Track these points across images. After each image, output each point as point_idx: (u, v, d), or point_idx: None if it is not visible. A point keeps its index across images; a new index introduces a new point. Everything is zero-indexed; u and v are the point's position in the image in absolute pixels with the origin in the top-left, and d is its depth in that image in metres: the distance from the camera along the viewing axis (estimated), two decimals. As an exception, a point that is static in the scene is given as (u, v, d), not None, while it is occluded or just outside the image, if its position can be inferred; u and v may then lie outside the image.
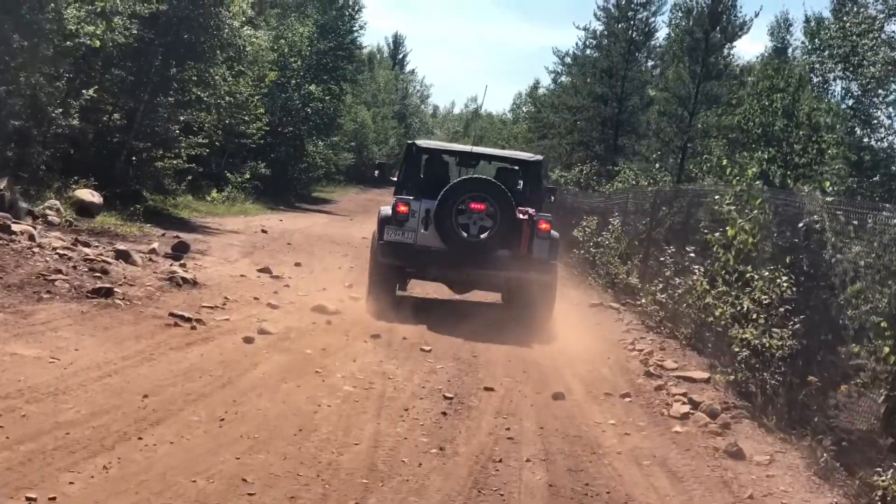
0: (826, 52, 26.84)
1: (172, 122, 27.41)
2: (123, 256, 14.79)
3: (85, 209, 20.49)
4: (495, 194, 12.36)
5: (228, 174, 40.63)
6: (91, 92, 22.90)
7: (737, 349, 10.47)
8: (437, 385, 9.85)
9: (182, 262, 16.03)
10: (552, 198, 15.41)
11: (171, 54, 25.95)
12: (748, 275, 10.65)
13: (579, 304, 17.69)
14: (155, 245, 17.08)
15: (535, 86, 61.52)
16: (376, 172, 18.72)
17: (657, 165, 24.03)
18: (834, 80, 27.73)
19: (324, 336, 11.52)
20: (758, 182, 11.68)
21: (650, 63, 35.98)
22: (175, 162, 30.23)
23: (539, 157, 14.49)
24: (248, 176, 41.19)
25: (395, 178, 14.80)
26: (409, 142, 14.75)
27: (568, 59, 40.05)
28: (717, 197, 12.01)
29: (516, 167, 14.82)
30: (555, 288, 13.14)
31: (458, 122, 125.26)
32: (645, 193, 19.79)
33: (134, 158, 26.51)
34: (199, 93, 26.98)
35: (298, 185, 51.91)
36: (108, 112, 25.93)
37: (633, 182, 24.79)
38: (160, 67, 26.09)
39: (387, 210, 12.96)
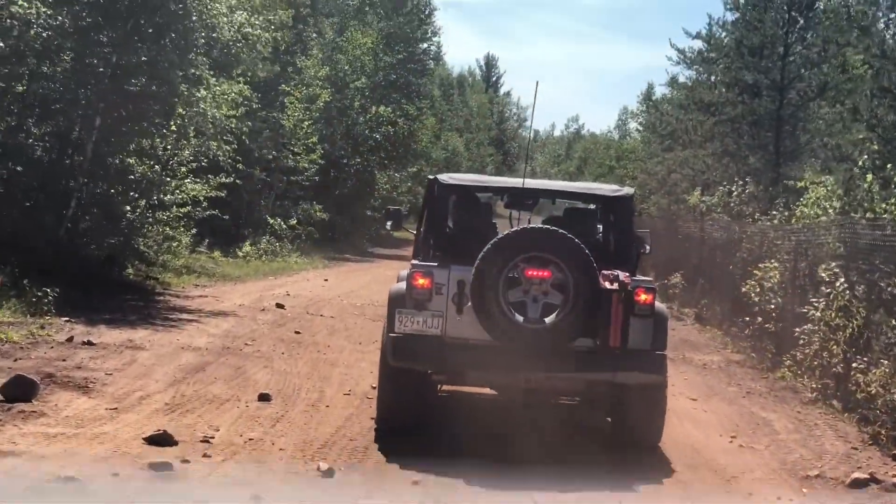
0: None
1: (138, 151, 19.00)
2: None
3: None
4: (564, 252, 8.29)
5: (270, 220, 32.20)
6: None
7: None
8: None
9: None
10: (646, 249, 9.96)
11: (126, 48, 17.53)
12: None
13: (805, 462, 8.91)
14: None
15: (649, 91, 51.91)
16: (388, 224, 11.48)
17: (868, 177, 14.64)
18: None
19: None
20: None
21: (810, 34, 26.39)
22: (160, 214, 21.88)
23: (629, 191, 9.86)
24: (293, 222, 32.74)
25: (415, 233, 10.27)
26: (431, 177, 10.11)
27: (697, 44, 30.84)
28: None
29: (593, 206, 10.54)
30: (664, 394, 8.86)
31: (560, 145, 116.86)
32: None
33: (77, 214, 18.04)
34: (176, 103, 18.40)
35: (367, 227, 43.55)
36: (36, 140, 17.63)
37: (833, 204, 15.46)
38: (112, 70, 17.64)
39: (400, 286, 8.76)
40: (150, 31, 17.69)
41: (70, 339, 12.45)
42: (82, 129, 17.98)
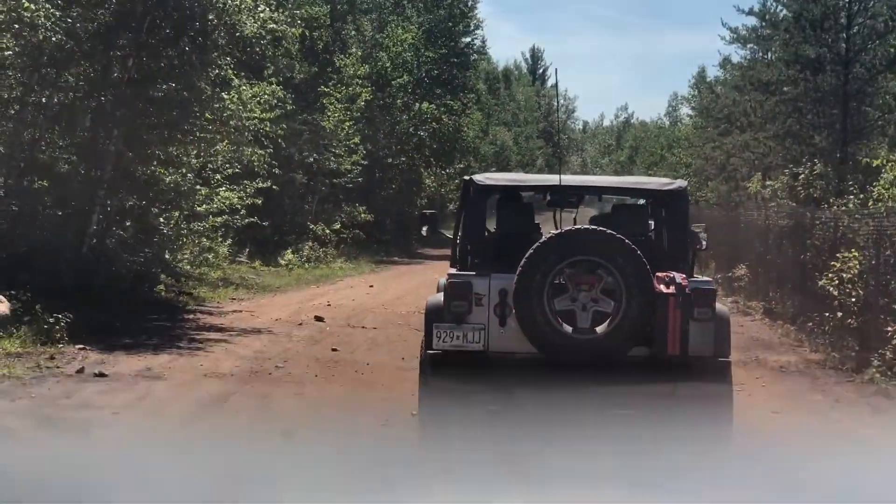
0: None
1: (166, 160, 17.92)
2: None
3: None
4: (614, 254, 7.65)
5: (312, 226, 31.10)
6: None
7: None
8: None
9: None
10: (703, 244, 9.21)
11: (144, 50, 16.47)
12: None
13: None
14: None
15: (701, 74, 50.04)
16: (424, 230, 10.56)
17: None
18: None
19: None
20: None
21: (874, 3, 24.63)
22: (195, 225, 20.85)
23: (682, 184, 8.98)
24: (337, 226, 31.61)
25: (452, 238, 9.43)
26: (466, 178, 9.31)
27: (750, 22, 29.10)
28: None
29: (644, 202, 9.64)
30: (730, 404, 7.96)
31: (610, 135, 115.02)
32: None
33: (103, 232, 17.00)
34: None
35: (415, 228, 42.30)
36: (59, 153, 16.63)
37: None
38: (130, 74, 16.59)
39: (437, 297, 8.09)
40: (168, 31, 16.59)
41: (80, 371, 11.37)
42: (102, 139, 16.92)
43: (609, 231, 7.87)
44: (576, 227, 8.35)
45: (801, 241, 18.36)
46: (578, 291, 7.86)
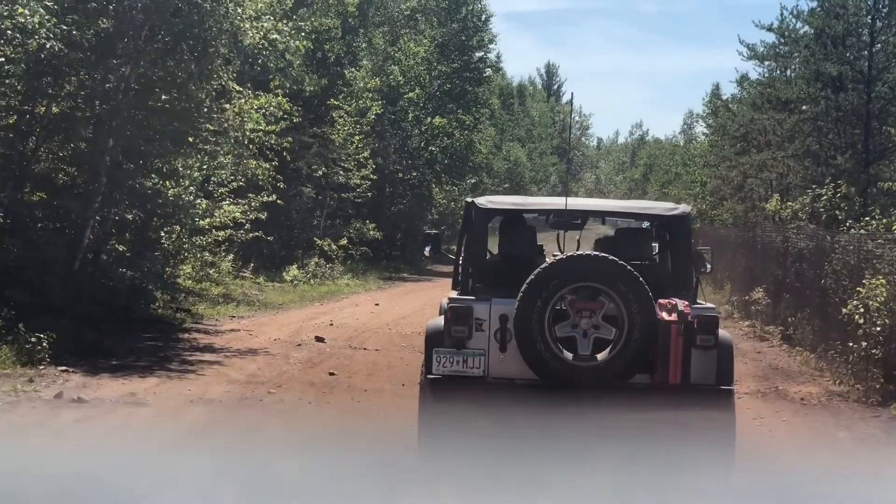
0: None
1: (168, 173, 17.34)
2: None
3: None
4: (616, 281, 7.59)
5: (318, 241, 30.47)
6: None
7: None
8: None
9: None
10: (707, 268, 9.34)
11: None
12: None
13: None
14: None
15: (715, 91, 49.33)
16: (427, 250, 9.81)
17: None
18: None
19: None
20: None
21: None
22: (197, 239, 20.29)
23: (685, 209, 8.86)
24: (343, 242, 30.98)
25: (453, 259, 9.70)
26: (468, 200, 9.24)
27: (768, 38, 28.32)
28: None
29: (647, 227, 9.60)
30: (732, 434, 7.91)
31: (624, 152, 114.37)
32: None
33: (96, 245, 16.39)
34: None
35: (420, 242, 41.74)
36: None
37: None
38: (126, 83, 16.01)
39: (437, 321, 8.07)
40: (168, 39, 15.99)
41: (59, 395, 10.75)
42: (96, 150, 16.32)
43: (611, 257, 7.81)
44: (577, 252, 8.28)
45: (821, 264, 17.64)
46: (580, 318, 7.82)
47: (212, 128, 17.79)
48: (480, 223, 8.82)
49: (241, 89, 18.49)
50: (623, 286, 7.66)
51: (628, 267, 7.71)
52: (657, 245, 9.40)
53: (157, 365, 13.31)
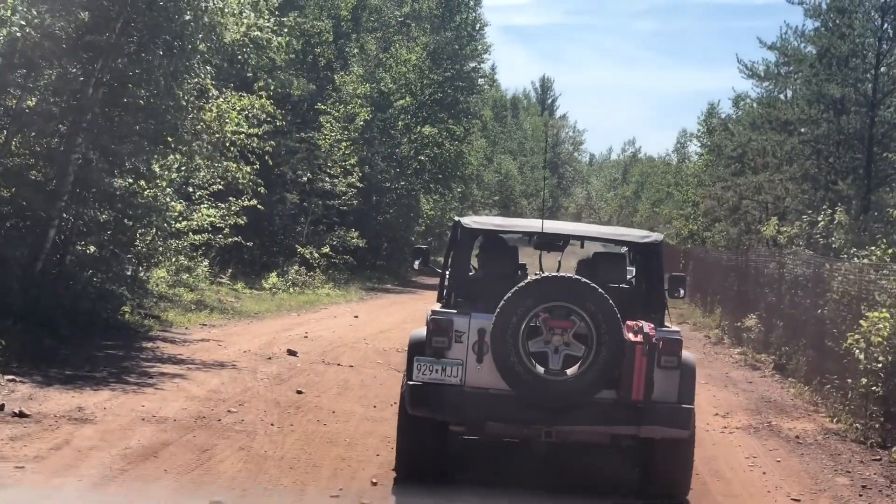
0: None
1: (143, 173, 16.53)
2: None
3: None
4: (587, 302, 8.21)
5: (300, 249, 29.65)
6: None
7: None
8: None
9: None
10: (681, 291, 9.75)
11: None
12: None
13: None
14: None
15: (711, 111, 48.54)
16: (416, 263, 10.69)
17: None
18: None
19: None
20: None
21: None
22: (172, 243, 19.52)
23: (657, 237, 9.59)
24: (325, 250, 30.19)
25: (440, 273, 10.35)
26: (456, 219, 9.93)
27: (769, 57, 27.54)
28: None
29: (621, 252, 10.45)
30: (691, 448, 8.73)
31: (616, 169, 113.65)
32: None
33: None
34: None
35: (410, 255, 41.02)
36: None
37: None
38: (97, 78, 15.19)
39: (420, 332, 8.72)
40: (143, 33, 15.19)
41: (0, 408, 9.89)
42: (64, 147, 15.52)
43: (583, 280, 8.37)
44: (552, 274, 8.81)
45: (818, 293, 16.91)
46: (552, 335, 8.32)
47: (188, 129, 17.00)
48: (465, 242, 9.43)
49: (218, 90, 17.65)
50: (593, 307, 8.17)
51: (599, 290, 8.22)
52: (633, 269, 10.11)
53: (113, 377, 12.47)
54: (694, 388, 8.60)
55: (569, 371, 8.28)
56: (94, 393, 11.29)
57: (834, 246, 18.14)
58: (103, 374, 12.51)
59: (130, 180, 17.40)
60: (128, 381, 12.27)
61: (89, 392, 11.32)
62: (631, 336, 8.19)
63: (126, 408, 10.68)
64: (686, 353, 8.57)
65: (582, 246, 10.88)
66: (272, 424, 10.57)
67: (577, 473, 9.72)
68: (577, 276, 8.56)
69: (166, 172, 18.91)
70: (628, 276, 10.12)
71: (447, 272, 9.75)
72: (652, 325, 8.33)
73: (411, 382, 8.42)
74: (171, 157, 18.02)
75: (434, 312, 8.58)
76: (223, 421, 10.53)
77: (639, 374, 8.19)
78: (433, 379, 8.38)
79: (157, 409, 10.73)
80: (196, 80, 16.51)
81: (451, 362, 8.40)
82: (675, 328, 8.88)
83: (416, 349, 8.55)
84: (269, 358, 15.19)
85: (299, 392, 12.51)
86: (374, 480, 8.59)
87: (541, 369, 8.24)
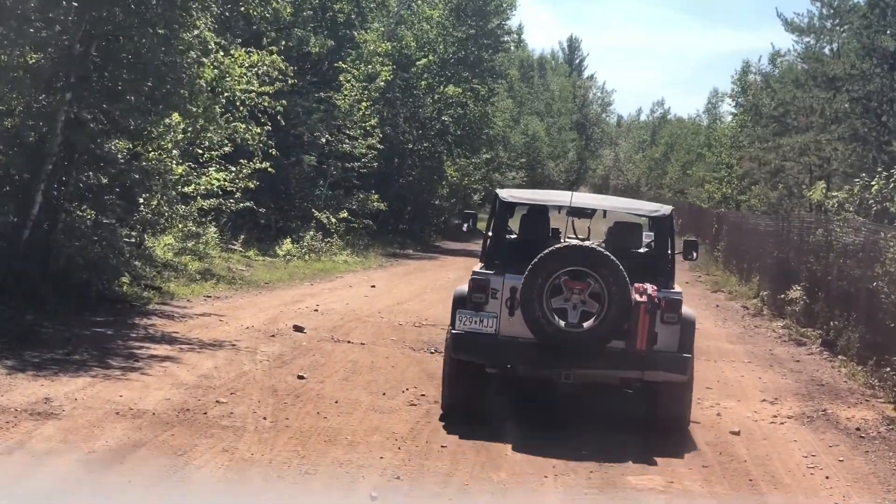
0: None
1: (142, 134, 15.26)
2: None
3: None
4: (600, 267, 9.86)
5: (316, 213, 28.37)
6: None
7: None
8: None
9: None
10: (694, 254, 11.86)
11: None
12: None
13: None
14: None
15: (745, 70, 46.63)
16: (465, 227, 13.70)
17: None
18: None
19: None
20: None
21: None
22: (179, 208, 18.33)
23: (666, 211, 11.38)
24: (343, 214, 28.90)
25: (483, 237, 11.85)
26: (496, 191, 11.73)
27: (814, 9, 25.78)
28: None
29: (636, 223, 12.18)
30: (688, 392, 10.42)
31: (645, 130, 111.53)
32: None
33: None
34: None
35: (433, 219, 39.67)
36: None
37: None
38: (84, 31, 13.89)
39: (462, 289, 10.42)
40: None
41: (-49, 401, 8.70)
42: (50, 106, 14.25)
43: (598, 249, 10.12)
44: (573, 243, 10.51)
45: (872, 263, 15.51)
46: (571, 294, 9.87)
47: (186, 86, 15.65)
48: (502, 212, 11.21)
49: (222, 48, 16.31)
50: (605, 271, 9.67)
51: (611, 257, 9.72)
52: (652, 235, 11.68)
53: (95, 360, 11.22)
54: (693, 339, 10.22)
55: (585, 324, 9.84)
56: (68, 380, 10.07)
57: (892, 210, 16.64)
58: (84, 357, 11.26)
59: (128, 142, 16.16)
60: (110, 366, 11.03)
61: (63, 379, 10.10)
62: (637, 296, 9.67)
63: (101, 399, 9.46)
64: (686, 310, 10.17)
65: (604, 216, 12.46)
66: (264, 418, 9.33)
67: (594, 411, 11.39)
68: (592, 245, 10.50)
69: (171, 134, 17.65)
70: (647, 241, 11.77)
71: (488, 237, 11.12)
72: (655, 287, 9.81)
73: (455, 331, 10.01)
74: (172, 117, 16.75)
75: (475, 273, 10.24)
76: (209, 414, 9.30)
77: (643, 328, 9.66)
78: (472, 328, 9.98)
79: (135, 400, 9.51)
80: (196, 31, 15.18)
81: (487, 315, 10.00)
82: (677, 289, 10.40)
83: (459, 303, 10.17)
84: (273, 335, 13.96)
85: (300, 377, 11.27)
86: (374, 494, 7.31)
87: (561, 322, 9.80)
